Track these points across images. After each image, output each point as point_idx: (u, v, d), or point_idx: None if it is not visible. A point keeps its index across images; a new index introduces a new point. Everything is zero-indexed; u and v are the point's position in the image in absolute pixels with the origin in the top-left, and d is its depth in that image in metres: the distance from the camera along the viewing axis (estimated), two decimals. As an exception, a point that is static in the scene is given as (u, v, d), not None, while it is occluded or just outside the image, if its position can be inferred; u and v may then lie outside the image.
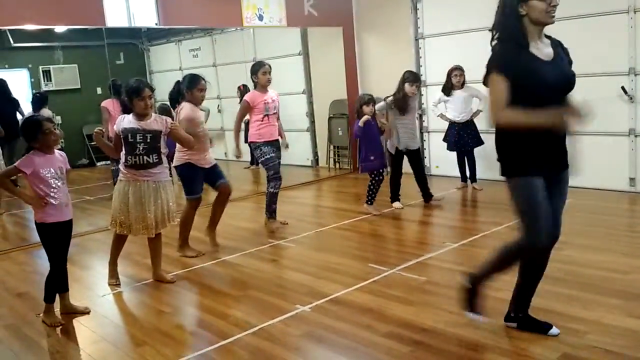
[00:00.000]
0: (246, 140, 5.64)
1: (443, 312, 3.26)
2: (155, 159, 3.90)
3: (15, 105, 7.50)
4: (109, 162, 7.19)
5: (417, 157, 5.93)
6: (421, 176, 5.97)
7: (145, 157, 3.87)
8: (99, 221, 6.02)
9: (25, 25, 5.63)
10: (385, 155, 5.75)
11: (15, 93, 7.71)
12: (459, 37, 6.91)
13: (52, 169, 3.38)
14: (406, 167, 5.91)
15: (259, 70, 5.16)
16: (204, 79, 4.60)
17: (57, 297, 3.59)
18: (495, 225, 4.88)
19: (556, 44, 2.65)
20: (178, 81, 4.72)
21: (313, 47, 8.60)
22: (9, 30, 7.68)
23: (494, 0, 2.65)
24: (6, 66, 9.13)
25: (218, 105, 9.62)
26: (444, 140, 6.58)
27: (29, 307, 3.83)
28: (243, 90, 7.86)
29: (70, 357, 3.19)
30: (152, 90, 3.93)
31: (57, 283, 3.56)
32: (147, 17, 6.18)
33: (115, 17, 5.91)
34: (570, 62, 2.67)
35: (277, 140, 5.31)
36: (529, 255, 2.75)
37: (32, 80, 9.53)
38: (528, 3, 2.50)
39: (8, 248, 5.41)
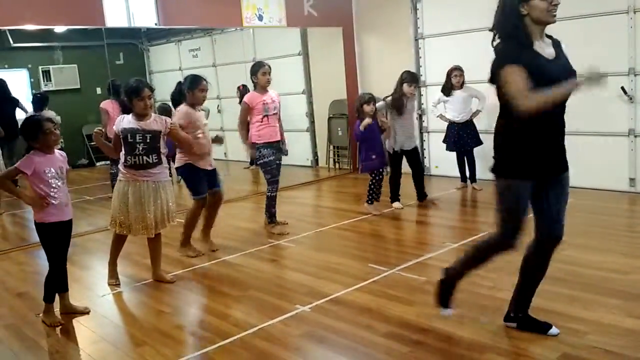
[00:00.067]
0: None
1: (443, 312, 3.26)
2: (155, 159, 3.90)
3: (15, 104, 7.50)
4: (108, 162, 7.18)
5: (415, 157, 5.92)
6: (419, 175, 5.98)
7: (144, 157, 3.87)
8: (98, 221, 6.01)
9: (25, 25, 5.62)
10: (386, 155, 5.75)
11: (15, 93, 7.71)
12: (459, 37, 6.91)
13: (52, 169, 3.38)
14: (406, 167, 5.91)
15: (259, 71, 5.15)
16: (205, 80, 4.60)
17: (57, 297, 3.58)
18: (495, 225, 4.87)
19: (556, 44, 2.65)
20: (179, 82, 4.73)
21: (313, 47, 8.60)
22: (8, 30, 7.70)
23: (494, 0, 2.64)
24: (6, 66, 9.14)
25: (218, 106, 9.63)
26: (444, 141, 6.58)
27: (29, 307, 3.82)
28: (243, 90, 7.86)
29: (70, 357, 3.19)
30: (152, 90, 3.93)
31: (57, 283, 3.56)
32: (146, 17, 6.18)
33: (115, 17, 5.91)
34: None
35: (278, 141, 5.28)
36: (498, 253, 2.80)
37: (32, 80, 9.54)
38: (529, 3, 2.49)
39: (8, 248, 5.41)
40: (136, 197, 3.89)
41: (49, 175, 3.36)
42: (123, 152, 3.92)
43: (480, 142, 6.32)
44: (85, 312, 3.65)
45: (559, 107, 2.56)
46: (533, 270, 2.84)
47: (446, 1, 7.10)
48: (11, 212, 6.95)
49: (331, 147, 8.69)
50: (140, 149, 3.85)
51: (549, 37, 2.65)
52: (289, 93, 8.30)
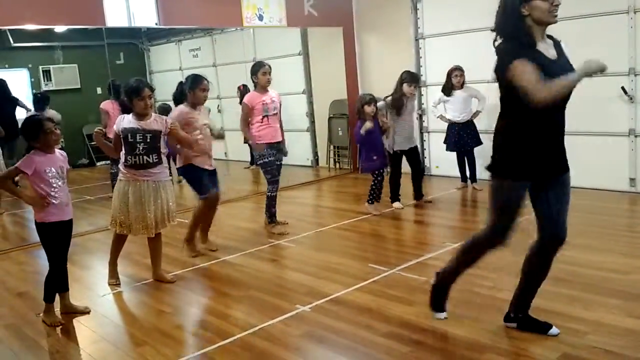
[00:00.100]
0: (246, 141, 5.64)
1: (443, 312, 3.26)
2: (155, 158, 3.90)
3: (15, 104, 7.50)
4: (108, 162, 7.18)
5: (414, 156, 5.92)
6: (417, 175, 5.98)
7: (145, 157, 3.87)
8: (99, 221, 6.02)
9: (25, 25, 5.62)
10: (386, 155, 5.75)
11: (16, 93, 7.71)
12: (459, 37, 6.91)
13: (53, 169, 3.38)
14: (406, 167, 5.91)
15: (259, 71, 5.14)
16: (206, 79, 4.60)
17: (57, 296, 3.59)
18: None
19: (557, 44, 2.65)
20: (181, 82, 4.73)
21: (313, 47, 8.60)
22: (9, 30, 7.68)
23: (494, 1, 2.63)
24: (6, 66, 9.13)
25: (218, 105, 9.62)
26: (445, 142, 6.58)
27: (29, 307, 3.83)
28: (243, 90, 7.86)
29: (70, 357, 3.19)
30: (152, 90, 3.93)
31: (57, 283, 3.56)
32: (147, 17, 6.18)
33: (115, 17, 5.91)
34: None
35: (278, 142, 5.27)
36: (487, 250, 2.82)
37: (32, 80, 9.53)
38: (530, 3, 2.49)
39: (8, 248, 5.41)
40: (136, 197, 3.89)
41: (50, 175, 3.36)
42: (123, 151, 3.92)
43: (480, 142, 6.32)
44: (85, 311, 3.65)
45: (560, 106, 2.56)
46: (535, 271, 2.83)
47: (446, 1, 7.10)
48: (11, 212, 6.96)
49: (331, 147, 8.69)
50: (141, 148, 3.85)
51: (550, 37, 2.65)
52: (289, 93, 8.29)
